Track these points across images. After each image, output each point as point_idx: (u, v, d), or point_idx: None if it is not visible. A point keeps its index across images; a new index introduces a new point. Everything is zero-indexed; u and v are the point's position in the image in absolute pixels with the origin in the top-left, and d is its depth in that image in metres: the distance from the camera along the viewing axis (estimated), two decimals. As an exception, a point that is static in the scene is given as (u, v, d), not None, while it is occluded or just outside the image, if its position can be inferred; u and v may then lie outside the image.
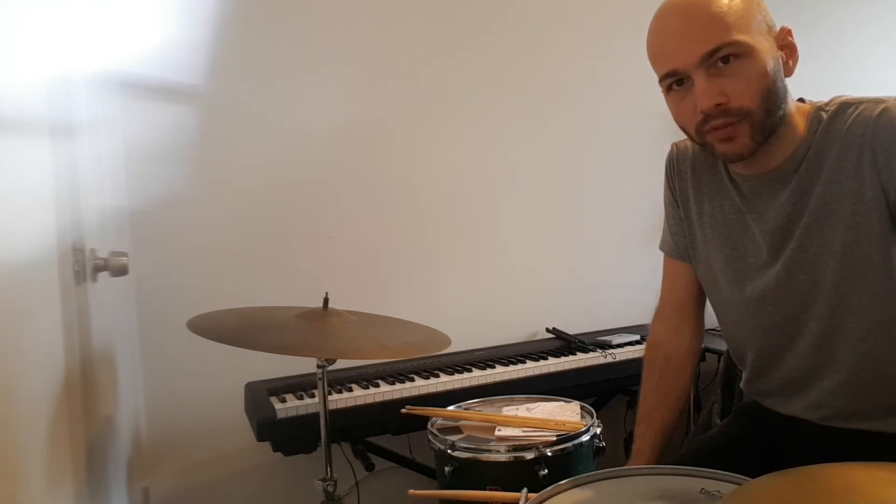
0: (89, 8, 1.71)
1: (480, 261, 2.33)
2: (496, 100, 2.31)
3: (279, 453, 1.80)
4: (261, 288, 2.01)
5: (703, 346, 1.41)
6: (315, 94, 2.09)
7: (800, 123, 1.09)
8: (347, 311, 1.43)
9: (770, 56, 1.01)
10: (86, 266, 1.36)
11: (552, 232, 2.42)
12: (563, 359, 2.07)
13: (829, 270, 1.08)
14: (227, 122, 2.01)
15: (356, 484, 2.04)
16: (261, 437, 1.74)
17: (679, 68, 1.02)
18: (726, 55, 0.99)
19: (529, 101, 2.35)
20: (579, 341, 2.20)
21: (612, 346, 2.15)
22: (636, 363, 2.10)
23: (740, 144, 1.03)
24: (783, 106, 1.04)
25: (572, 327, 2.32)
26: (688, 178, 1.27)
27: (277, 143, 2.06)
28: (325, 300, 1.42)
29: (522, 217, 2.38)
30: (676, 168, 1.29)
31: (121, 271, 1.46)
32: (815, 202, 1.07)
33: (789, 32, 1.06)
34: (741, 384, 1.37)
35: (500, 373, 1.97)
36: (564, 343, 2.23)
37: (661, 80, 1.08)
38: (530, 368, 2.01)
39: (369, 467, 1.91)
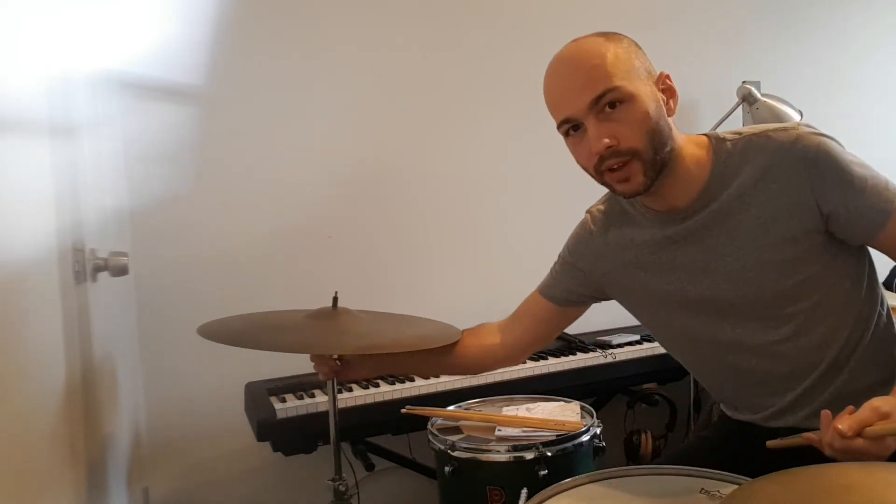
0: (89, 8, 1.71)
1: (481, 260, 2.33)
2: (498, 98, 2.31)
3: (279, 453, 1.80)
4: (261, 287, 2.01)
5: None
6: (315, 94, 2.09)
7: (701, 157, 1.16)
8: (356, 310, 1.43)
9: (651, 100, 1.10)
10: (86, 266, 1.36)
11: (553, 231, 2.41)
12: (563, 359, 2.07)
13: (772, 284, 1.14)
14: (227, 122, 2.01)
15: (356, 484, 2.04)
16: (261, 437, 1.74)
17: (571, 115, 1.11)
18: (612, 100, 1.07)
19: (531, 100, 2.33)
20: (579, 341, 2.20)
21: (612, 346, 2.15)
22: (636, 363, 2.12)
23: (635, 183, 1.11)
24: (669, 143, 1.12)
25: (572, 327, 2.31)
26: (608, 255, 1.32)
27: (277, 142, 2.06)
28: (335, 299, 1.42)
29: (523, 216, 2.37)
30: (593, 255, 1.35)
31: (121, 271, 1.46)
32: (752, 225, 1.13)
33: (668, 77, 1.14)
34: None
35: (500, 373, 1.97)
36: (564, 343, 2.23)
37: (558, 127, 1.17)
38: (530, 368, 2.01)
39: (369, 467, 1.91)
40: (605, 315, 2.47)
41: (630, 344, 2.18)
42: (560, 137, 1.20)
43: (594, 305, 1.47)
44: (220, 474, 2.04)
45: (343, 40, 2.12)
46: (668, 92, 1.14)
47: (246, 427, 1.85)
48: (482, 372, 1.69)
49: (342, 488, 1.44)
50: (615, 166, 1.10)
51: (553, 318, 1.44)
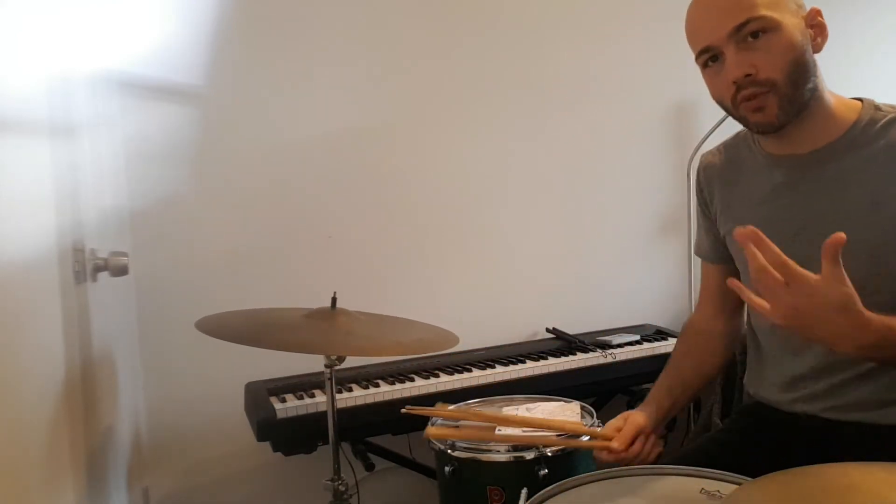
0: (89, 8, 1.71)
1: (481, 261, 2.33)
2: (498, 99, 2.31)
3: (279, 453, 1.80)
4: (261, 288, 2.01)
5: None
6: (315, 94, 2.09)
7: (841, 111, 1.13)
8: (355, 311, 1.43)
9: (797, 31, 1.07)
10: (86, 266, 1.36)
11: (553, 232, 2.42)
12: (563, 359, 2.07)
13: (857, 267, 1.09)
14: (226, 122, 2.01)
15: (356, 484, 2.04)
16: (261, 437, 1.74)
17: (711, 44, 1.09)
18: (755, 30, 1.05)
19: (531, 101, 2.35)
20: (579, 341, 2.20)
21: (612, 346, 2.15)
22: (636, 363, 2.12)
23: (770, 114, 1.08)
24: (812, 80, 1.09)
25: (572, 327, 2.32)
26: (715, 183, 1.31)
27: (277, 142, 2.06)
28: (334, 300, 1.42)
29: (523, 217, 2.37)
30: (705, 175, 1.34)
31: (121, 271, 1.46)
32: (860, 200, 1.09)
33: (819, 13, 1.11)
34: (745, 381, 1.37)
35: (500, 373, 1.97)
36: (564, 343, 2.23)
37: (697, 58, 1.14)
38: (530, 368, 2.01)
39: (369, 467, 1.91)
40: (606, 315, 2.49)
41: (630, 344, 2.18)
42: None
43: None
44: (220, 474, 2.04)
45: (343, 41, 2.12)
46: (818, 28, 1.10)
47: (246, 427, 1.85)
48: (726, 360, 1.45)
49: (342, 488, 1.44)
50: (751, 97, 1.06)
51: (722, 278, 1.34)
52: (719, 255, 1.35)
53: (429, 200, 2.25)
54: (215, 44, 1.97)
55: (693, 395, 1.36)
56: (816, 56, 1.11)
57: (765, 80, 1.05)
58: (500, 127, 2.32)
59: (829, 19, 1.16)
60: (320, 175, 2.11)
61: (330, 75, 2.10)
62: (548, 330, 2.34)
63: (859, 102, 1.15)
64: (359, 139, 2.15)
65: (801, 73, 1.06)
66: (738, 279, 1.31)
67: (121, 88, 1.88)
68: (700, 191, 1.37)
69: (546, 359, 2.06)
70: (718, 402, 2.02)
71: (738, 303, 1.38)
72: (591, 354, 2.10)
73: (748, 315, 1.35)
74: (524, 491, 1.06)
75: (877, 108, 1.12)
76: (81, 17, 1.61)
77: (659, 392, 1.32)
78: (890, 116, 1.10)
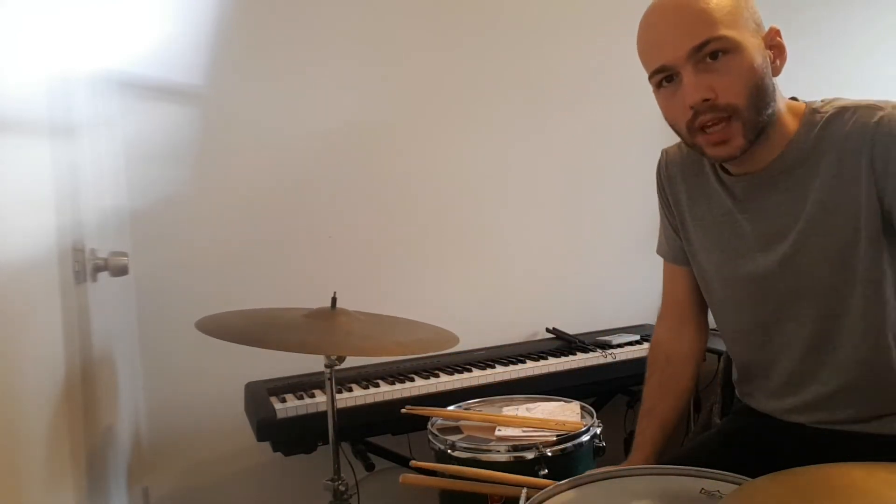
0: (89, 8, 1.71)
1: (480, 261, 2.33)
2: (497, 99, 2.31)
3: (279, 453, 1.80)
4: (260, 288, 2.01)
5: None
6: (315, 94, 2.09)
7: (790, 123, 1.09)
8: (355, 311, 1.43)
9: (758, 53, 1.02)
10: (86, 266, 1.36)
11: (552, 232, 2.42)
12: (563, 359, 2.07)
13: (823, 274, 1.09)
14: (226, 122, 2.01)
15: (356, 484, 2.03)
16: (261, 437, 1.74)
17: (668, 63, 1.02)
18: (714, 50, 0.99)
19: (530, 101, 2.35)
20: (579, 341, 2.20)
21: (612, 346, 2.15)
22: (636, 363, 2.12)
23: (733, 146, 1.03)
24: (772, 104, 1.04)
25: (572, 327, 2.32)
26: (678, 182, 1.27)
27: (277, 143, 2.06)
28: (334, 300, 1.42)
29: (523, 217, 2.37)
30: (666, 174, 1.30)
31: (121, 271, 1.46)
32: (812, 207, 1.07)
33: (778, 33, 1.06)
34: (736, 390, 1.37)
35: (500, 373, 1.97)
36: (564, 343, 2.23)
37: (650, 77, 1.08)
38: (530, 368, 2.01)
39: (369, 467, 1.91)
40: (606, 315, 2.49)
41: (630, 344, 2.18)
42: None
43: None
44: (220, 474, 2.04)
45: (343, 40, 2.12)
46: (777, 50, 1.04)
47: (246, 427, 1.85)
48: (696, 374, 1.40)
49: (342, 488, 1.44)
50: (710, 123, 1.01)
51: (689, 281, 1.33)
52: (686, 257, 1.32)
53: (429, 200, 2.25)
54: (215, 44, 1.97)
55: (671, 434, 1.33)
56: (777, 79, 1.06)
57: (724, 106, 1.00)
58: (500, 126, 2.32)
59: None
60: (320, 175, 2.11)
61: (330, 75, 2.10)
62: (548, 330, 2.35)
63: (803, 106, 1.11)
64: (359, 139, 2.15)
65: (761, 97, 1.01)
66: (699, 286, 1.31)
67: (121, 88, 1.88)
68: (662, 188, 1.32)
69: (546, 359, 2.06)
70: (718, 402, 2.01)
71: (704, 307, 1.35)
72: (591, 354, 2.10)
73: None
74: (524, 491, 1.06)
75: (814, 111, 1.08)
76: (81, 17, 1.61)
77: (646, 447, 1.28)
78: (827, 116, 1.06)
